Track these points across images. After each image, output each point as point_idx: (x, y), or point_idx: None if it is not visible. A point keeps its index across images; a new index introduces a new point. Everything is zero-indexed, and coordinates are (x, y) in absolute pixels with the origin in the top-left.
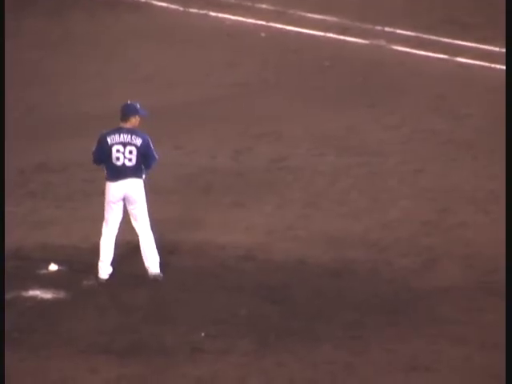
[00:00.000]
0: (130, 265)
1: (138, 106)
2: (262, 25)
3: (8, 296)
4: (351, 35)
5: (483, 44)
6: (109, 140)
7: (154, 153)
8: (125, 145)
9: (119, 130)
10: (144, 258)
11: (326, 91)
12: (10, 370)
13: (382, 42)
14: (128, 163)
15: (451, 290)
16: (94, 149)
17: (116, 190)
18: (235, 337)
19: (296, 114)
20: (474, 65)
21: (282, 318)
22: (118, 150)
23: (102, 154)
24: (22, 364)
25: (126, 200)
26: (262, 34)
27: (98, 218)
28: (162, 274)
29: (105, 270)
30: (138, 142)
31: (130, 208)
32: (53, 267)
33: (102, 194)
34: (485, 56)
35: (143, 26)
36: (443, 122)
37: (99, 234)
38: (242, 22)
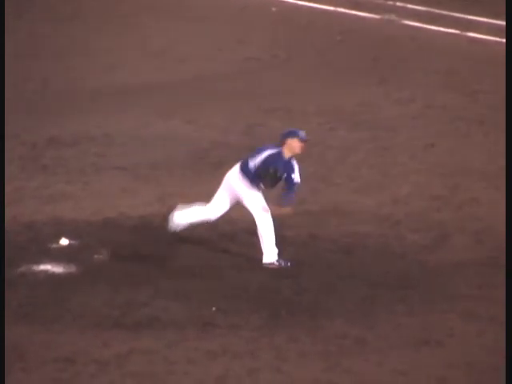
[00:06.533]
0: (142, 239)
1: (302, 132)
2: None
3: (19, 270)
4: (362, 10)
5: (495, 19)
6: None
7: (293, 176)
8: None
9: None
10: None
11: (337, 66)
12: (23, 343)
13: (393, 17)
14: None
15: (462, 266)
16: None
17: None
18: (246, 311)
19: (307, 88)
20: (486, 40)
21: (293, 292)
22: None
23: None
24: (35, 337)
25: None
26: (273, 9)
27: (110, 193)
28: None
29: (179, 225)
30: (265, 154)
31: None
32: (64, 241)
33: (113, 168)
34: (497, 31)
35: (155, 0)
36: (454, 97)
37: (110, 208)
38: None
